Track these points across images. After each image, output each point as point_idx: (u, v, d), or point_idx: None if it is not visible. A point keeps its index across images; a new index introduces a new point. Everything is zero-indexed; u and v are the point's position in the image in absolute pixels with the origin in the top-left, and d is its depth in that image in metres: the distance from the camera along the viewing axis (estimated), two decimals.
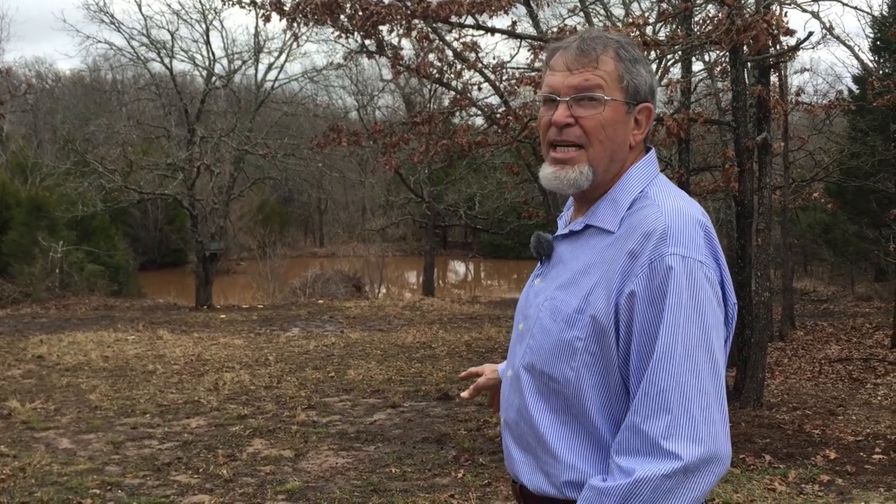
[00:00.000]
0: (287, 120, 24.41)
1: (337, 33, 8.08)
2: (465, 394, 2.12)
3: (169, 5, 51.73)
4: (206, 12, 21.60)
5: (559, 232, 1.68)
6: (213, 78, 21.78)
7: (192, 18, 25.72)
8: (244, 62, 22.35)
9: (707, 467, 1.41)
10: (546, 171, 1.62)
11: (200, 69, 22.51)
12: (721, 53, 10.15)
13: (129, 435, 7.15)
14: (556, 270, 1.63)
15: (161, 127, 22.21)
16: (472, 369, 2.15)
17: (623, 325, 1.47)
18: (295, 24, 7.90)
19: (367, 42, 11.08)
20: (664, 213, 1.50)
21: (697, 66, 12.51)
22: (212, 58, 21.92)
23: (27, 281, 21.52)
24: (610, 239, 1.54)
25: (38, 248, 22.52)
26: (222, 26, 42.27)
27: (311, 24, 7.91)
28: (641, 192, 1.57)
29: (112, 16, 30.73)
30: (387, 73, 23.84)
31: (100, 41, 30.50)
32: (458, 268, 36.52)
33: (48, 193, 25.60)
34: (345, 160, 26.53)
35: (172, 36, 21.46)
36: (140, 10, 25.92)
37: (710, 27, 8.09)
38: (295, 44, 20.80)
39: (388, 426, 7.52)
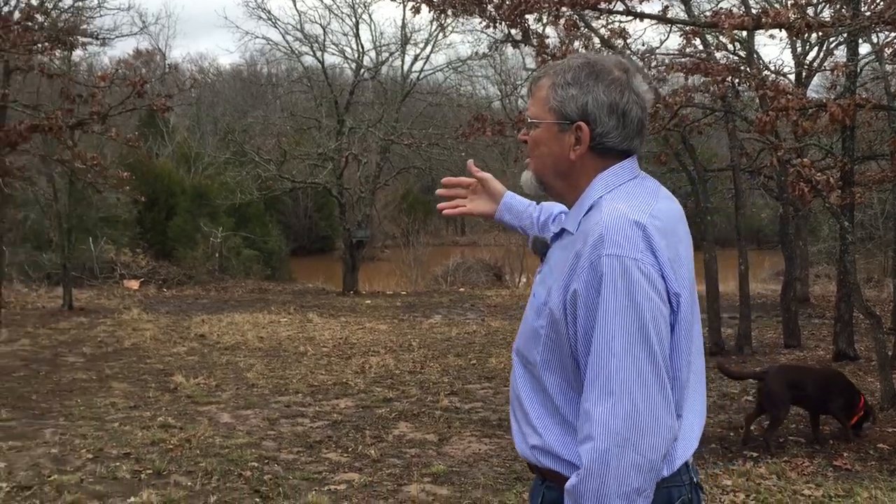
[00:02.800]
0: (431, 110, 24.75)
1: (484, 23, 8.12)
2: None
3: (322, 0, 53.58)
4: (356, 6, 22.24)
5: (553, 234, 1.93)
6: (362, 70, 22.40)
7: (342, 13, 26.51)
8: (391, 54, 22.87)
9: (654, 446, 1.58)
10: None
11: (350, 62, 23.22)
12: (893, 35, 9.46)
13: (283, 412, 7.51)
14: (543, 268, 1.88)
15: (312, 118, 23.08)
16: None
17: (570, 318, 1.67)
18: (443, 15, 7.99)
19: (512, 31, 11.04)
20: (603, 217, 1.67)
21: (864, 48, 11.71)
22: (361, 50, 22.57)
23: (190, 264, 22.98)
24: (570, 239, 1.76)
25: (200, 234, 23.99)
26: (371, 19, 43.33)
27: (459, 14, 7.99)
28: (600, 198, 1.74)
29: (269, 12, 32.13)
30: (530, 63, 23.70)
31: (257, 37, 31.98)
32: None
33: (209, 182, 27.20)
34: (488, 150, 26.60)
35: (324, 30, 22.26)
36: (295, 5, 27.14)
37: (881, 6, 7.55)
38: (441, 34, 21.08)
39: None
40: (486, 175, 2.30)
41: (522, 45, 11.39)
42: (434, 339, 12.41)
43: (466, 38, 55.20)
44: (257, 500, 5.02)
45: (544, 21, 8.13)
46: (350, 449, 6.27)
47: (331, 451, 6.25)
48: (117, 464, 5.63)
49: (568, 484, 1.64)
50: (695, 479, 1.80)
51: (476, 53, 22.00)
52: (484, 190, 2.33)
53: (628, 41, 9.81)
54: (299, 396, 8.21)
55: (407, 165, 26.59)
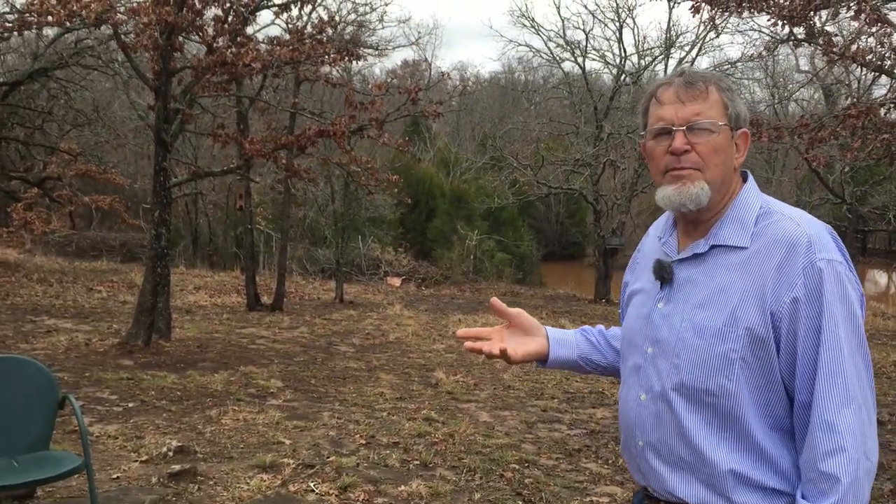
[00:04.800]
0: None
1: (771, 20, 7.59)
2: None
3: (585, 6, 54.34)
4: (621, 10, 21.94)
5: (681, 255, 1.75)
6: (623, 75, 22.03)
7: (605, 17, 26.34)
8: (654, 58, 22.27)
9: (875, 450, 1.59)
10: (666, 191, 1.70)
11: (610, 66, 22.94)
12: None
13: (539, 417, 7.50)
14: (684, 293, 1.71)
15: (570, 124, 23.08)
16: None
17: (785, 330, 1.59)
18: (724, 14, 7.57)
19: (795, 30, 10.27)
20: (802, 224, 1.63)
21: None
22: (623, 55, 22.20)
23: (447, 264, 23.91)
24: (743, 255, 1.65)
25: (457, 236, 24.88)
26: (634, 23, 42.71)
27: (744, 11, 7.53)
28: (762, 209, 1.69)
29: (533, 20, 32.69)
30: (804, 65, 22.02)
31: (520, 44, 32.55)
32: (879, 278, 32.63)
33: (467, 186, 28.15)
34: (753, 157, 25.12)
35: (587, 35, 22.12)
36: (558, 12, 27.24)
37: None
38: (713, 34, 20.19)
39: None
40: (516, 311, 1.97)
41: (806, 44, 10.58)
42: None
43: (735, 39, 52.75)
44: (520, 502, 5.01)
45: (842, 14, 7.43)
46: (610, 461, 6.10)
47: (590, 461, 6.12)
48: (387, 451, 5.89)
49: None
50: None
51: (748, 55, 20.78)
52: (517, 328, 1.99)
53: None
54: (555, 402, 8.16)
55: None
